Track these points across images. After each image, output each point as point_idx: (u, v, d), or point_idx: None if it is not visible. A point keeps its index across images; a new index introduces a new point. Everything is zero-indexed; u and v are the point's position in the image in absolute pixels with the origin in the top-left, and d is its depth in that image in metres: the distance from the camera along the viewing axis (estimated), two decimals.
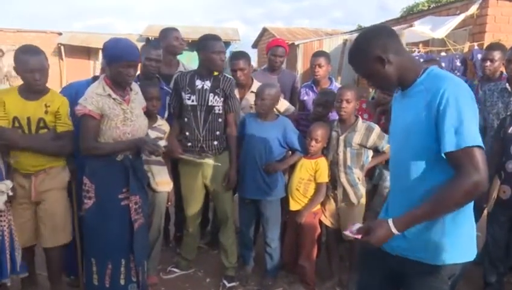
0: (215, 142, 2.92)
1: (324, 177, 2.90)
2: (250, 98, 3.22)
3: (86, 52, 15.57)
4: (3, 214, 2.40)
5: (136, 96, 2.55)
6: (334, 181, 2.92)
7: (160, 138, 2.82)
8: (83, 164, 2.49)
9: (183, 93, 2.89)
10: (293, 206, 2.99)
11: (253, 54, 18.92)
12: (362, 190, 2.91)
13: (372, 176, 3.18)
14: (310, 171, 2.92)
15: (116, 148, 2.41)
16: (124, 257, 2.47)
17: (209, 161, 2.88)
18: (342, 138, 2.84)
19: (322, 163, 2.91)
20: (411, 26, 8.03)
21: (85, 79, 2.99)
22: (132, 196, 2.44)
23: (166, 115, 3.12)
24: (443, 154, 1.43)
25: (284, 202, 3.07)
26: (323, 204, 3.01)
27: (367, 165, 2.93)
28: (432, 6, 11.96)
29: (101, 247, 2.44)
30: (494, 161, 2.76)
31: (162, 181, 2.94)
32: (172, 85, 3.10)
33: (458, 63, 6.83)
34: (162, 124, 2.99)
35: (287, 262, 3.18)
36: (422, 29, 7.89)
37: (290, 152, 3.11)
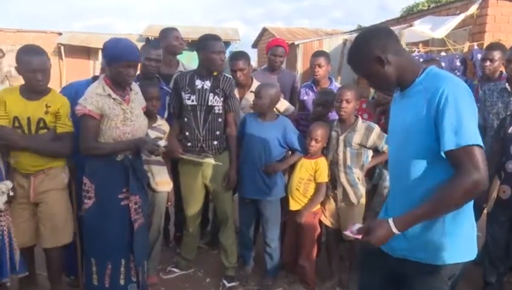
0: (215, 142, 2.92)
1: (324, 177, 2.90)
2: (250, 98, 3.22)
3: (86, 52, 15.57)
4: (3, 214, 2.40)
5: (136, 96, 2.55)
6: (334, 181, 2.92)
7: (160, 138, 2.82)
8: (83, 163, 2.49)
9: (183, 93, 2.89)
10: (293, 206, 2.99)
11: (253, 54, 18.92)
12: (362, 189, 2.90)
13: (371, 176, 3.18)
14: (310, 171, 2.92)
15: (116, 148, 2.41)
16: (124, 257, 2.48)
17: (210, 160, 2.88)
18: (341, 137, 2.84)
19: (322, 163, 2.91)
20: (411, 26, 8.03)
21: (85, 79, 2.99)
22: (132, 196, 2.45)
23: (166, 115, 3.12)
24: (443, 153, 1.43)
25: (284, 202, 3.07)
26: (323, 204, 3.01)
27: (367, 165, 2.93)
28: (431, 6, 11.95)
29: (101, 247, 2.44)
30: (494, 160, 2.76)
31: (161, 181, 2.94)
32: (172, 85, 3.10)
33: (458, 63, 6.83)
34: (162, 124, 2.99)
35: (287, 262, 3.18)
36: (422, 29, 7.89)
37: (290, 152, 3.11)
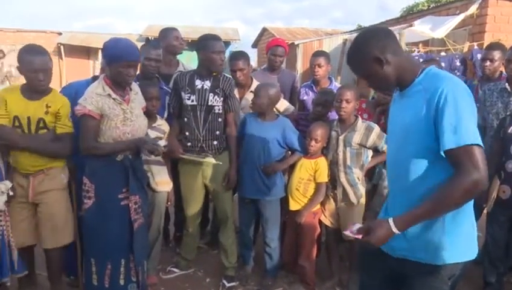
0: (215, 142, 2.92)
1: (324, 177, 2.90)
2: (250, 98, 3.21)
3: (86, 52, 15.56)
4: (2, 214, 2.40)
5: (136, 96, 2.55)
6: (333, 181, 2.92)
7: (160, 138, 2.82)
8: (83, 163, 2.49)
9: (182, 93, 2.89)
10: (293, 206, 2.99)
11: (253, 54, 18.92)
12: (362, 189, 2.90)
13: (371, 175, 3.18)
14: (310, 171, 2.92)
15: (116, 148, 2.41)
16: (124, 257, 2.48)
17: (211, 160, 2.88)
18: (341, 137, 2.84)
19: (322, 163, 2.91)
20: (411, 26, 8.02)
21: (85, 79, 2.99)
22: (132, 196, 2.45)
23: (165, 114, 3.12)
24: (442, 153, 1.43)
25: (284, 201, 3.07)
26: (323, 204, 3.01)
27: (367, 165, 2.93)
28: (431, 6, 11.95)
29: (101, 247, 2.44)
30: (493, 160, 2.76)
31: (161, 181, 2.94)
32: (171, 85, 3.10)
33: (458, 63, 6.82)
34: (162, 123, 2.99)
35: (287, 262, 3.18)
36: (422, 29, 7.89)
37: (290, 152, 3.11)
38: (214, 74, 2.89)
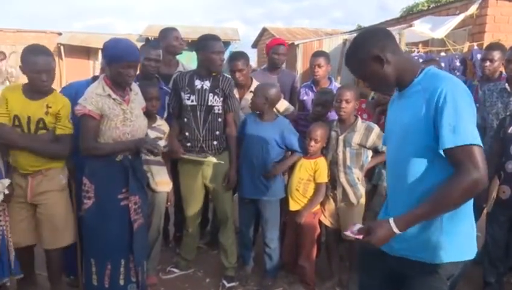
0: (215, 142, 2.92)
1: (323, 177, 2.90)
2: (250, 98, 3.21)
3: (86, 52, 15.57)
4: (2, 214, 2.40)
5: (136, 97, 2.55)
6: (333, 181, 2.92)
7: (160, 138, 2.82)
8: (83, 164, 2.48)
9: (182, 94, 2.89)
10: (293, 206, 2.99)
11: (253, 54, 18.92)
12: (362, 189, 2.90)
13: (371, 176, 3.18)
14: (310, 171, 2.92)
15: (115, 149, 2.41)
16: (124, 257, 2.48)
17: (212, 159, 2.88)
18: (341, 137, 2.84)
19: (322, 163, 2.91)
20: (411, 26, 8.03)
21: (85, 79, 2.99)
22: (132, 196, 2.44)
23: (165, 115, 3.12)
24: (441, 152, 1.43)
25: (284, 202, 3.07)
26: (322, 204, 3.01)
27: (366, 166, 2.93)
28: (431, 6, 11.95)
29: (101, 247, 2.44)
30: (493, 161, 2.76)
31: (161, 181, 2.94)
32: (171, 85, 3.10)
33: (458, 63, 6.83)
34: (162, 124, 2.99)
35: (287, 262, 3.18)
36: (422, 29, 7.89)
37: (290, 152, 3.11)
38: (214, 74, 2.89)
